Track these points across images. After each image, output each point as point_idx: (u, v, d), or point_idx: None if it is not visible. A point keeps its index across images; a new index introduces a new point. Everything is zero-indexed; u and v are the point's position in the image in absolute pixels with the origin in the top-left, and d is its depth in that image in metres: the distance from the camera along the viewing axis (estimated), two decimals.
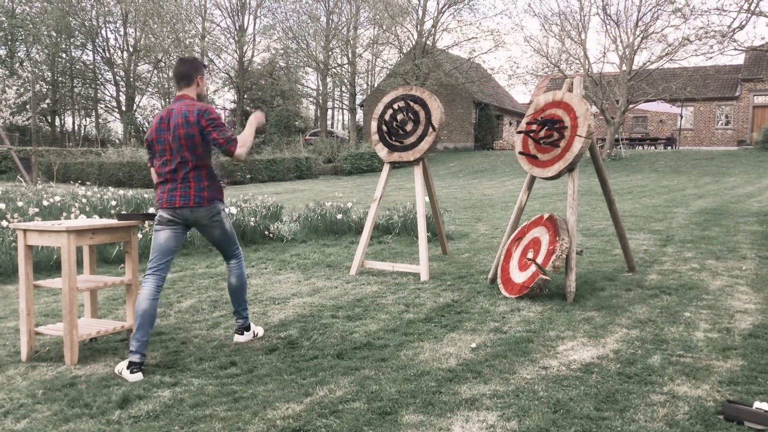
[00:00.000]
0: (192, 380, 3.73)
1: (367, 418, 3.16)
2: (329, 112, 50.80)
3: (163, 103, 48.53)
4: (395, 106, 7.07)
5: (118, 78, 45.73)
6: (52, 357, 4.21)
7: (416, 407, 3.29)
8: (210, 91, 48.53)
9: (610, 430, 3.00)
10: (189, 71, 4.17)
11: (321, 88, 42.34)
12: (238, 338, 4.50)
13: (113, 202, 10.59)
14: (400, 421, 3.12)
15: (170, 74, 45.60)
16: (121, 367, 3.85)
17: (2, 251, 6.96)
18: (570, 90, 5.99)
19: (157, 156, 4.13)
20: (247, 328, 4.52)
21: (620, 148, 31.13)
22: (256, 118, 4.33)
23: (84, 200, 10.77)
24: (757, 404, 3.10)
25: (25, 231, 4.18)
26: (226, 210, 4.34)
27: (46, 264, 7.00)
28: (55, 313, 5.29)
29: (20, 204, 10.07)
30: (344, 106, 49.04)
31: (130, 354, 3.84)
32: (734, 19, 17.76)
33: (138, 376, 3.77)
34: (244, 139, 4.07)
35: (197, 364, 4.03)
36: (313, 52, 38.13)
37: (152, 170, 4.23)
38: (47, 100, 36.91)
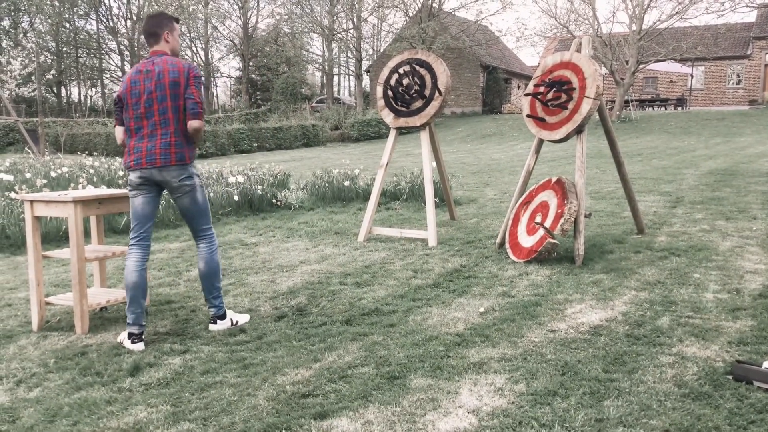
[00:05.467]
0: (202, 347, 3.76)
1: (375, 382, 3.18)
2: (335, 78, 50.39)
3: None
4: (401, 71, 6.96)
5: (122, 47, 45.48)
6: (63, 327, 4.25)
7: (424, 371, 3.30)
8: (215, 59, 48.20)
9: (618, 392, 3.00)
10: (154, 28, 3.91)
11: (326, 54, 41.93)
12: (212, 327, 4.11)
13: (121, 173, 10.60)
14: (409, 386, 3.14)
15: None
16: (123, 336, 3.87)
17: (12, 223, 6.99)
18: (578, 50, 5.89)
19: (129, 110, 3.85)
20: (222, 317, 4.11)
21: (630, 109, 30.80)
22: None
23: (92, 171, 10.78)
24: (766, 364, 3.09)
25: (32, 202, 4.19)
26: (200, 180, 4.05)
27: (56, 235, 7.03)
28: (65, 284, 5.33)
29: (28, 176, 10.10)
30: (350, 72, 48.64)
31: (128, 326, 3.82)
32: None
33: (140, 346, 3.77)
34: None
35: (207, 331, 4.06)
36: (318, 17, 37.68)
37: (119, 130, 3.96)
38: (52, 71, 36.73)
